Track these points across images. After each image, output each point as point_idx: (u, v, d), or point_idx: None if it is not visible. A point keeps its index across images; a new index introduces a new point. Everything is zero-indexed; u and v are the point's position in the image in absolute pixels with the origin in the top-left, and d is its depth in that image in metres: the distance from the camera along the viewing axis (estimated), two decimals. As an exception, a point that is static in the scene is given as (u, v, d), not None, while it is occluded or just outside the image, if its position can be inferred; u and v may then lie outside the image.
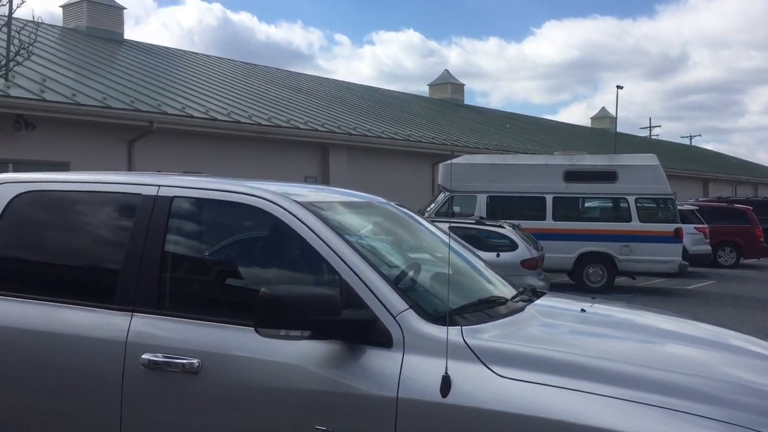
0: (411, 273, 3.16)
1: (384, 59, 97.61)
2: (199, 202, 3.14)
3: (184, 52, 25.46)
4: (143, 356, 2.80)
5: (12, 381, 2.98)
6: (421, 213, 5.31)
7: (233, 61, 26.63)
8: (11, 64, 10.46)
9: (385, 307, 2.66)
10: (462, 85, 36.24)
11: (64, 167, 12.76)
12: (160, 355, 2.79)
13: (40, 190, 3.35)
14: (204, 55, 26.34)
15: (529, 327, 3.00)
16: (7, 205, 3.27)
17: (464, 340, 2.58)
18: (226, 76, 22.66)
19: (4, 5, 9.96)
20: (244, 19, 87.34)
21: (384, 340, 2.61)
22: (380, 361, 2.58)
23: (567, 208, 14.56)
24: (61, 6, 22.08)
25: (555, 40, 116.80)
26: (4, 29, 11.33)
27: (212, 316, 2.87)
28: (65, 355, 2.93)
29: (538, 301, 3.42)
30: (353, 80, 37.85)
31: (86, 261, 3.24)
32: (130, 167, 14.47)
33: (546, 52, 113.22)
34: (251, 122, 17.06)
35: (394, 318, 2.65)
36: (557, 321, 3.30)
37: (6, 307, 3.08)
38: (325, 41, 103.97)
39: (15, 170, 10.86)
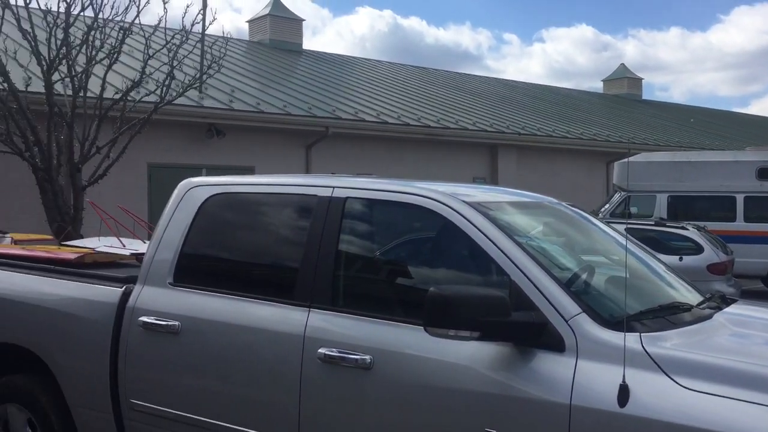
0: (584, 276, 3.04)
1: (555, 56, 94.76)
2: (371, 203, 3.23)
3: (357, 58, 26.41)
4: (319, 350, 2.93)
5: (204, 367, 3.24)
6: (594, 214, 5.10)
7: (403, 66, 27.20)
8: (204, 77, 11.43)
9: (557, 310, 2.59)
10: (639, 80, 34.32)
11: (249, 171, 13.73)
12: (335, 350, 2.90)
13: (228, 192, 3.62)
14: (376, 60, 27.14)
15: (717, 336, 2.79)
16: (200, 206, 3.57)
17: (643, 347, 2.44)
18: (396, 80, 23.19)
19: (198, 23, 10.94)
20: (413, 23, 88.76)
21: (555, 344, 2.54)
22: (552, 365, 2.51)
23: (761, 208, 13.34)
24: (247, 21, 23.92)
25: (746, 27, 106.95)
26: (199, 45, 12.44)
27: (383, 314, 2.94)
28: (250, 346, 3.13)
29: (728, 309, 3.16)
30: (523, 79, 37.13)
31: (268, 258, 3.46)
32: (307, 170, 15.25)
33: (735, 40, 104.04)
34: (420, 124, 17.32)
35: (566, 322, 2.57)
36: (750, 331, 3.03)
37: (199, 300, 3.35)
38: (493, 41, 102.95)
39: (207, 175, 11.83)
